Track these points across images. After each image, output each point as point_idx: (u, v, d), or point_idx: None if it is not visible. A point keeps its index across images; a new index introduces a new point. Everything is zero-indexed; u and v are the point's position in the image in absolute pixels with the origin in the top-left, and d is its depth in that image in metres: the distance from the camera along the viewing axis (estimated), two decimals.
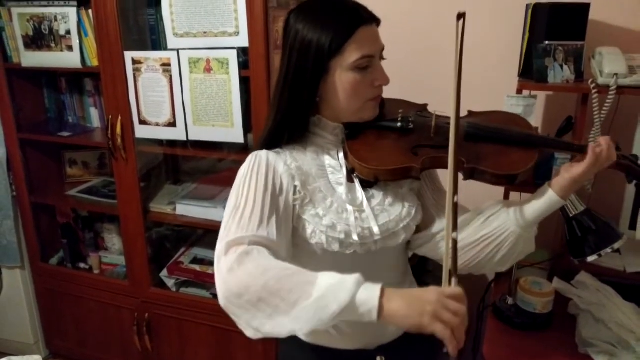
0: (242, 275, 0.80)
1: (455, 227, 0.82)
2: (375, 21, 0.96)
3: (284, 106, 0.97)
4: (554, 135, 1.51)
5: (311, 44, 0.92)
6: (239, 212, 0.90)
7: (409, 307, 0.76)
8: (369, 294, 0.76)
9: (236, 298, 0.80)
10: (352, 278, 0.77)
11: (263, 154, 0.98)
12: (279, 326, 0.78)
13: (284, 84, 0.96)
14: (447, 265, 0.80)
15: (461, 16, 0.87)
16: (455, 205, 0.83)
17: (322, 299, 0.76)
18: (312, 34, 0.92)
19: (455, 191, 0.84)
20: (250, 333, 0.82)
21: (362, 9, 0.95)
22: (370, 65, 0.95)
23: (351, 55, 0.92)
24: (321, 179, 0.99)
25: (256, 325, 0.80)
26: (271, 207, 0.92)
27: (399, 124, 1.01)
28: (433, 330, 0.75)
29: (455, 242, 0.81)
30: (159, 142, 1.98)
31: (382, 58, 0.99)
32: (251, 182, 0.93)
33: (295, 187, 0.96)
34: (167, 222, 2.12)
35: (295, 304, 0.76)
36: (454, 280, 0.80)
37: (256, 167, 0.95)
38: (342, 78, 0.94)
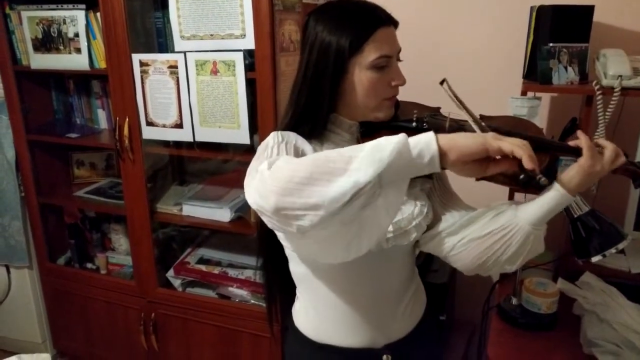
0: (287, 164, 0.78)
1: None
2: (393, 23, 0.98)
3: (302, 104, 0.98)
4: (558, 137, 1.52)
5: (331, 45, 0.94)
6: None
7: (466, 136, 0.77)
8: (420, 135, 0.77)
9: (286, 183, 0.75)
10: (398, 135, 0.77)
11: (291, 132, 0.98)
12: (340, 186, 0.73)
13: (303, 83, 0.98)
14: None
15: (442, 82, 0.92)
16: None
17: (376, 147, 0.75)
18: (332, 35, 0.94)
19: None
20: (308, 220, 0.75)
21: (381, 11, 0.97)
22: (387, 65, 0.97)
23: (370, 54, 0.94)
24: None
25: (315, 200, 0.73)
26: None
27: (413, 124, 1.03)
28: (499, 146, 0.76)
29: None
30: (166, 144, 1.99)
31: (398, 59, 1.01)
32: (280, 148, 0.93)
33: None
34: (174, 222, 2.13)
35: (350, 159, 0.74)
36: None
37: (285, 140, 0.95)
38: (361, 76, 0.96)
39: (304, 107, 0.99)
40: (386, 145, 0.75)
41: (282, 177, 0.76)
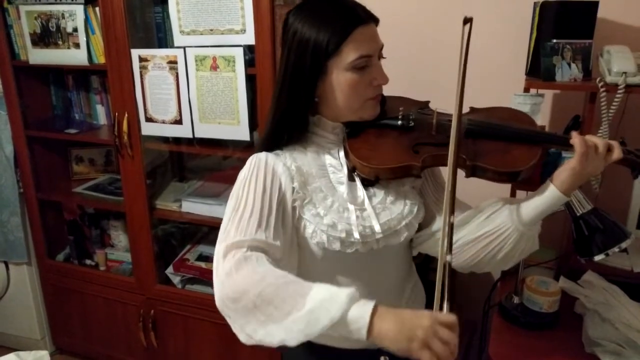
0: (239, 280, 0.82)
1: (450, 249, 0.79)
2: (374, 20, 0.96)
3: (283, 106, 0.97)
4: (561, 134, 1.50)
5: (308, 43, 0.92)
6: (237, 214, 0.91)
7: (400, 330, 0.75)
8: (361, 312, 0.76)
9: (232, 302, 0.82)
10: (346, 293, 0.77)
11: (262, 156, 0.98)
12: (270, 335, 0.79)
13: (282, 84, 0.96)
14: (438, 289, 0.77)
15: (467, 21, 0.87)
16: (451, 227, 0.81)
17: (314, 311, 0.76)
18: (310, 33, 0.92)
19: (452, 211, 0.82)
20: (243, 338, 0.83)
21: (360, 9, 0.94)
22: (368, 65, 0.95)
23: (348, 55, 0.92)
24: (322, 179, 0.99)
25: (249, 330, 0.81)
26: (270, 209, 0.92)
27: (399, 122, 1.01)
28: (420, 357, 0.74)
29: (449, 264, 0.78)
30: (165, 140, 1.99)
31: (381, 57, 0.98)
32: (250, 185, 0.94)
33: (293, 188, 0.96)
34: (173, 219, 2.12)
35: (288, 314, 0.77)
36: (446, 305, 0.76)
37: (255, 169, 0.96)
38: (340, 78, 0.94)
39: (284, 110, 0.97)
40: (322, 318, 0.75)
41: (230, 293, 0.82)
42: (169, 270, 2.09)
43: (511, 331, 1.38)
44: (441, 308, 0.76)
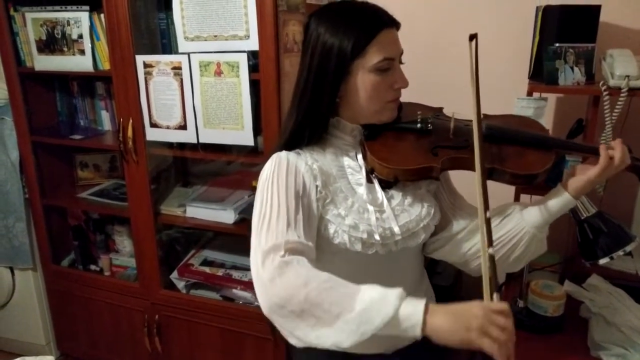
0: (284, 285, 0.81)
1: (490, 242, 0.81)
2: (396, 25, 0.98)
3: (305, 107, 0.98)
4: (564, 138, 1.51)
5: (333, 47, 0.93)
6: (266, 218, 0.91)
7: (455, 322, 0.75)
8: (413, 309, 0.76)
9: (279, 308, 0.81)
10: (395, 292, 0.77)
11: (283, 154, 0.98)
12: (322, 337, 0.78)
13: (305, 86, 0.97)
14: (486, 282, 0.79)
15: (473, 37, 0.88)
16: (489, 221, 0.83)
17: (366, 312, 0.76)
18: (334, 38, 0.93)
19: (487, 207, 0.83)
20: (293, 341, 0.83)
21: (383, 13, 0.96)
22: (390, 68, 0.96)
23: (373, 57, 0.94)
24: (341, 180, 0.99)
25: (299, 334, 0.81)
26: (296, 208, 0.92)
27: (418, 125, 1.02)
28: (481, 345, 0.73)
29: (492, 257, 0.80)
30: (170, 145, 1.99)
31: (401, 62, 1.00)
32: (274, 185, 0.94)
33: (316, 186, 0.96)
34: (177, 224, 2.12)
35: (338, 316, 0.77)
36: (496, 295, 0.78)
37: (277, 168, 0.96)
38: (364, 79, 0.95)
39: (305, 111, 0.98)
40: (375, 318, 0.75)
41: (276, 300, 0.81)
42: (174, 275, 2.09)
43: (516, 335, 1.37)
44: (492, 298, 0.77)
